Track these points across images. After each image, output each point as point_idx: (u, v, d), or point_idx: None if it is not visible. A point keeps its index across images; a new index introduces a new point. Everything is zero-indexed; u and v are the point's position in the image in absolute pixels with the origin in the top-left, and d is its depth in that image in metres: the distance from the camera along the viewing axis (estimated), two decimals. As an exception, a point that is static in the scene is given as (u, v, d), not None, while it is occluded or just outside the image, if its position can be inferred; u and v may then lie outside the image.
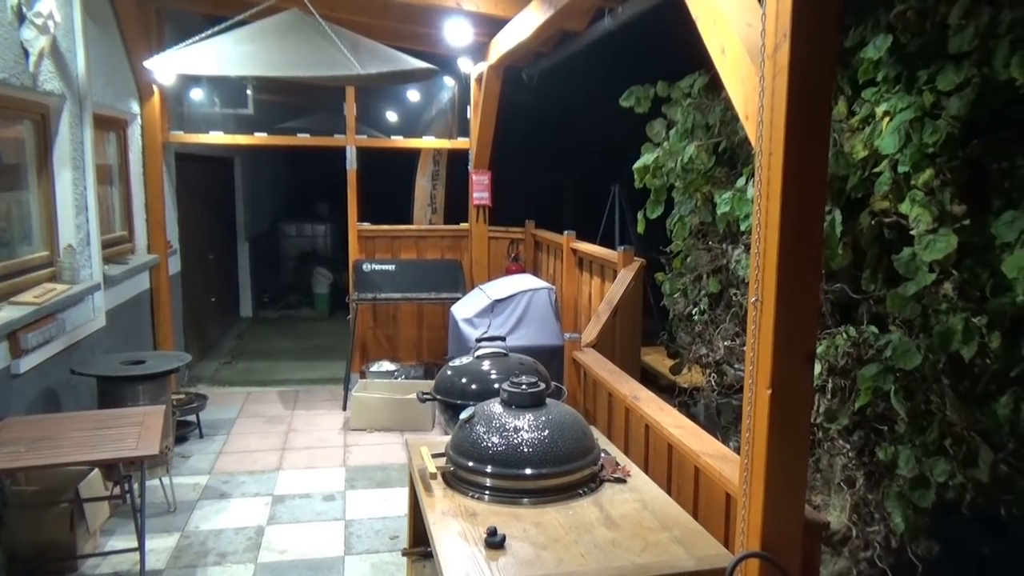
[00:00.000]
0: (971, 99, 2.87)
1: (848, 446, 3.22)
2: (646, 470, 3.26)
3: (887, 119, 3.04)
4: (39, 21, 4.51)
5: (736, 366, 4.13)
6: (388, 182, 10.26)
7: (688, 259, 4.59)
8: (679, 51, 3.78)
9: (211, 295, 9.45)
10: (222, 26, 4.78)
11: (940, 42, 3.00)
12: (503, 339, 4.34)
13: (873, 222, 3.22)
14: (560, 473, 2.77)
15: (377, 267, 7.44)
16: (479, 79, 7.47)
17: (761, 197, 2.38)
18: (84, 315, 5.27)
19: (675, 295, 4.70)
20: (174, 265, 7.56)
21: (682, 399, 4.70)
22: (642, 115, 4.85)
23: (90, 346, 5.34)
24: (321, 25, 4.56)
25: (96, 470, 4.23)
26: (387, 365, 7.39)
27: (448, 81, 8.80)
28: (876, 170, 3.13)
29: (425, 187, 9.50)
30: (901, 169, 2.96)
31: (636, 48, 6.66)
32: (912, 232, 2.95)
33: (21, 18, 4.43)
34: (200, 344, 8.70)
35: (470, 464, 2.79)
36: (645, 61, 5.86)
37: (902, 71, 3.10)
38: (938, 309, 2.89)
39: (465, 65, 7.76)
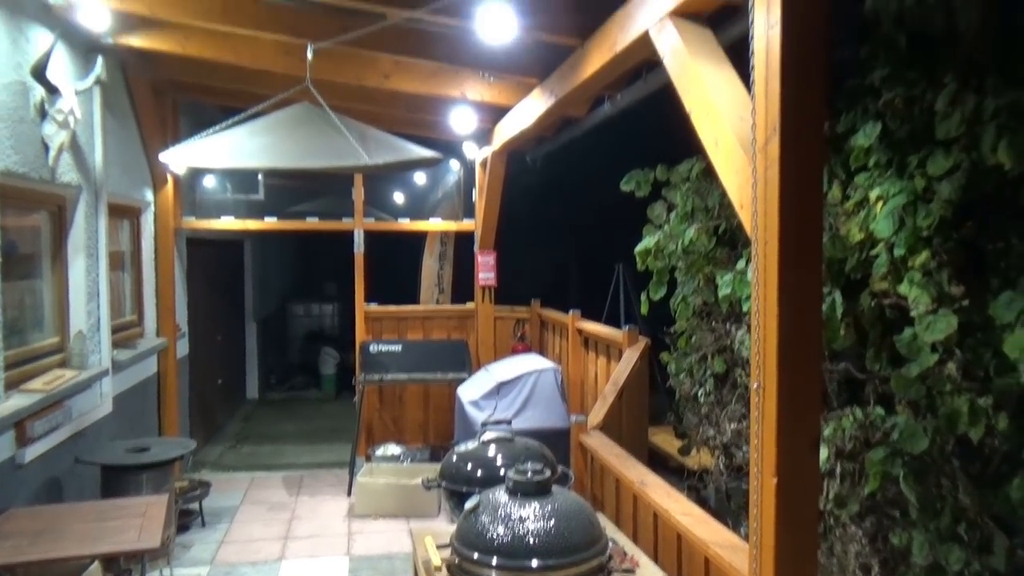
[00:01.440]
0: (962, 183, 2.94)
1: (860, 532, 3.16)
2: (656, 559, 3.19)
3: (880, 203, 3.11)
4: (60, 117, 4.70)
5: (744, 448, 4.09)
6: (396, 261, 10.40)
7: (693, 339, 4.60)
8: (677, 135, 3.90)
9: (218, 377, 9.46)
10: (236, 119, 4.96)
11: (928, 128, 3.08)
12: (509, 423, 4.31)
13: (873, 303, 3.25)
14: (567, 564, 2.71)
15: (384, 348, 7.47)
16: (484, 163, 7.67)
17: (759, 284, 2.42)
18: (91, 402, 5.28)
19: (681, 375, 4.69)
20: (182, 348, 7.60)
21: (691, 482, 4.63)
22: (644, 197, 4.96)
23: (95, 432, 5.33)
24: (330, 116, 4.73)
25: (96, 562, 4.16)
26: (393, 448, 7.31)
27: (454, 165, 9.02)
28: (873, 252, 3.17)
29: (432, 267, 9.62)
30: (897, 252, 3.00)
31: (636, 132, 6.85)
32: (912, 313, 2.98)
33: (43, 114, 4.62)
34: (205, 428, 8.65)
35: (475, 556, 2.75)
36: (645, 144, 6.02)
37: (893, 156, 3.19)
38: (943, 390, 2.88)
39: (470, 149, 7.98)
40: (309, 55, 4.45)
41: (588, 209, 10.33)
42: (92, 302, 5.33)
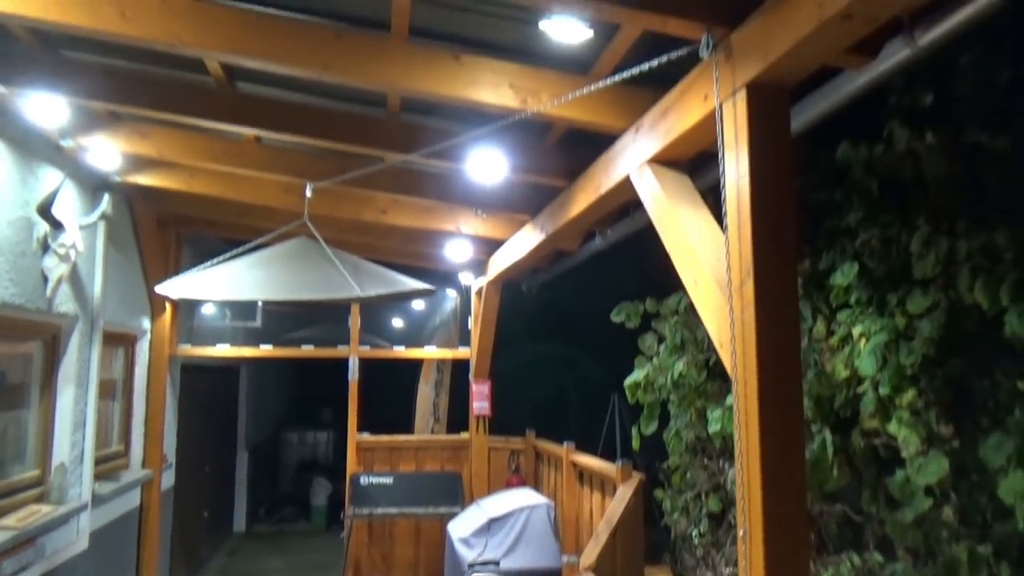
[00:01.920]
0: (942, 321, 2.96)
1: None
2: None
3: (864, 340, 3.12)
4: (62, 251, 4.81)
5: (742, 594, 3.89)
6: (391, 387, 10.32)
7: (687, 475, 4.50)
8: (667, 268, 3.98)
9: (204, 509, 9.16)
10: (234, 252, 5.08)
11: (906, 267, 3.15)
12: (497, 563, 4.14)
13: (865, 442, 3.19)
14: None
15: (375, 480, 7.28)
16: (479, 292, 7.77)
17: (740, 425, 2.39)
18: (66, 538, 5.09)
19: (675, 514, 4.55)
20: (168, 479, 7.41)
21: (689, 630, 4.38)
22: (635, 328, 5.00)
23: (69, 571, 5.11)
24: (325, 250, 4.84)
25: None
26: (381, 587, 6.98)
27: (450, 292, 9.15)
28: (860, 390, 3.16)
29: (428, 395, 9.54)
30: (883, 391, 2.98)
31: (628, 263, 6.98)
32: (903, 453, 2.92)
33: (45, 247, 4.73)
34: (188, 564, 8.29)
35: None
36: (637, 275, 6.12)
37: (873, 294, 3.24)
38: (940, 537, 2.78)
39: (466, 278, 8.11)
40: (308, 193, 4.61)
41: (583, 337, 10.36)
42: (77, 432, 5.25)
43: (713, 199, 3.14)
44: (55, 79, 3.78)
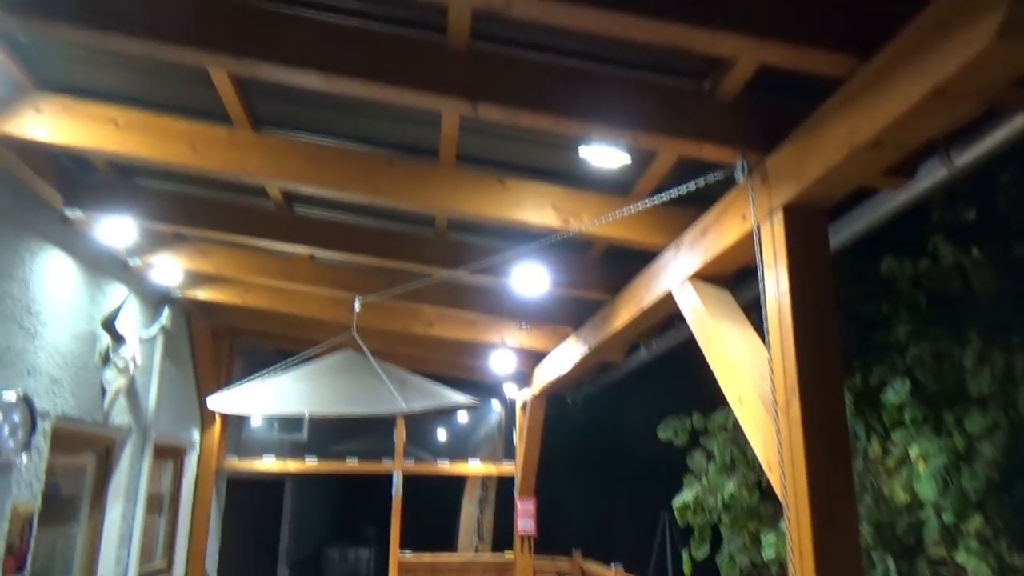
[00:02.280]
0: (1004, 443, 2.83)
1: None
2: None
3: (922, 462, 2.99)
4: (121, 364, 4.99)
5: None
6: (435, 501, 10.12)
7: (743, 604, 4.25)
8: (713, 380, 3.93)
9: (243, 628, 8.92)
10: (283, 364, 5.20)
11: (960, 384, 3.05)
12: None
13: (931, 572, 3.00)
14: None
15: (416, 601, 7.03)
16: (524, 406, 7.71)
17: (793, 554, 2.29)
18: (103, 657, 5.01)
19: (733, 648, 4.27)
20: (208, 596, 7.28)
21: None
22: (683, 445, 4.88)
23: None
24: (372, 364, 4.92)
25: None
26: None
27: (495, 404, 9.10)
28: (922, 515, 3.00)
29: (472, 513, 9.33)
30: (947, 517, 2.83)
31: (673, 376, 6.89)
32: (974, 586, 2.73)
33: (106, 360, 4.92)
34: None
35: None
36: (684, 387, 6.01)
37: (928, 413, 3.13)
38: None
39: (511, 390, 8.07)
40: (356, 307, 4.74)
41: (631, 452, 10.10)
42: (123, 548, 5.26)
43: (756, 314, 3.13)
44: (128, 204, 4.05)
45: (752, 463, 4.28)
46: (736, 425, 4.46)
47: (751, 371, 2.73)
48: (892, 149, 2.01)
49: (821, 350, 2.37)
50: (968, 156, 2.29)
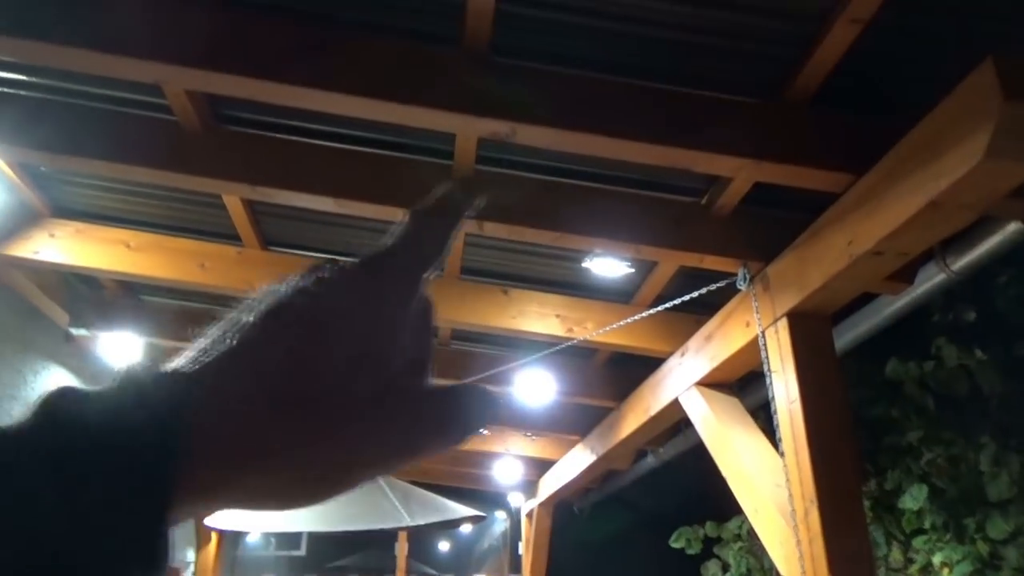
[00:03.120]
0: (1030, 548, 2.76)
1: None
2: None
3: (947, 570, 2.90)
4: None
5: None
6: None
7: None
8: (724, 487, 3.85)
9: None
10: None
11: (978, 488, 3.00)
12: None
13: None
14: None
15: None
16: (530, 515, 7.50)
17: (824, 677, 2.18)
18: None
19: None
20: None
21: None
22: (696, 554, 4.73)
23: None
24: (376, 480, 4.82)
25: None
26: None
27: (500, 515, 8.86)
28: (952, 627, 2.88)
29: (476, 629, 8.90)
30: (979, 630, 2.72)
31: (682, 482, 6.75)
32: None
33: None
34: None
35: None
36: (694, 493, 5.88)
37: (948, 519, 3.06)
38: None
39: (516, 499, 7.87)
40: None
41: (641, 561, 9.75)
42: None
43: (764, 417, 3.11)
44: (132, 321, 4.08)
45: (769, 573, 4.14)
46: (751, 533, 4.34)
47: (766, 480, 2.69)
48: (892, 257, 2.06)
49: (836, 456, 2.35)
50: (964, 261, 2.35)
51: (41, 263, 3.26)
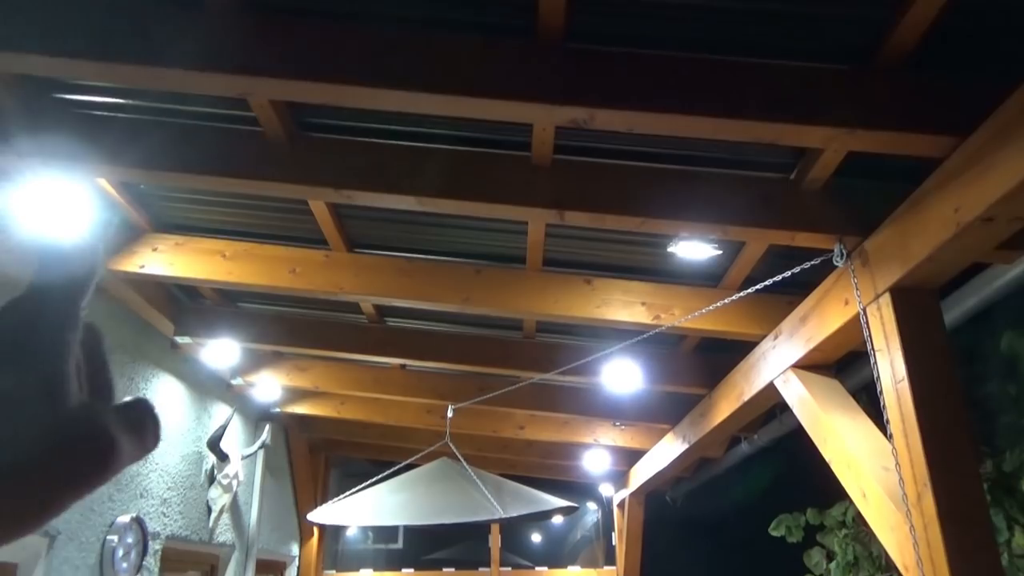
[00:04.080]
0: None
1: None
2: None
3: (1078, 556, 2.71)
4: (226, 482, 5.11)
5: None
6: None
7: None
8: (824, 472, 3.72)
9: None
10: (381, 476, 5.22)
11: (1111, 466, 2.78)
12: None
13: None
14: None
15: None
16: (621, 505, 7.45)
17: (947, 668, 2.07)
18: None
19: None
20: None
21: None
22: (797, 542, 4.58)
23: None
24: (467, 471, 4.88)
25: None
26: None
27: (591, 506, 8.82)
28: (1087, 616, 2.69)
29: (573, 620, 8.90)
30: (1117, 618, 2.53)
31: (781, 468, 6.55)
32: None
33: (211, 479, 5.05)
34: None
35: None
36: (793, 480, 5.71)
37: (1078, 500, 2.85)
38: None
39: (606, 490, 7.83)
40: (449, 414, 4.76)
41: (739, 551, 9.53)
42: (228, 669, 5.23)
43: (867, 398, 2.97)
44: (231, 328, 4.26)
45: (878, 561, 3.97)
46: (856, 520, 4.17)
47: (873, 463, 2.57)
48: (1004, 223, 1.93)
49: (950, 437, 2.22)
50: (1086, 223, 2.17)
51: (146, 276, 3.43)
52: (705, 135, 2.20)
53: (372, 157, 2.56)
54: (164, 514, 4.40)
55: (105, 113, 2.62)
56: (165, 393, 4.43)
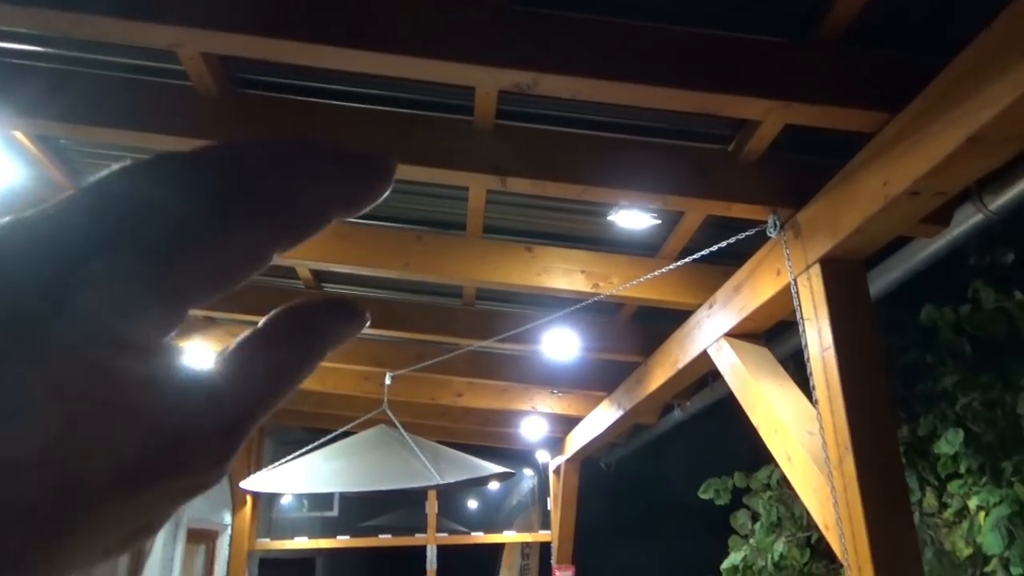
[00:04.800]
0: (1068, 490, 2.73)
1: None
2: None
3: (983, 514, 2.89)
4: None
5: None
6: (470, 573, 9.86)
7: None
8: (753, 438, 3.85)
9: None
10: (316, 443, 5.16)
11: (1016, 430, 2.96)
12: None
13: (1004, 631, 2.86)
14: None
15: None
16: (557, 471, 7.58)
17: (862, 621, 2.19)
18: None
19: None
20: None
21: None
22: (725, 504, 4.76)
23: None
24: (404, 438, 4.87)
25: None
26: None
27: (527, 472, 8.95)
28: (987, 569, 2.88)
29: (509, 583, 9.07)
30: (1015, 570, 2.71)
31: (711, 435, 6.76)
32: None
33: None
34: None
35: None
36: (722, 445, 5.89)
37: (984, 462, 3.03)
38: None
39: (543, 456, 7.95)
40: (387, 382, 4.73)
41: (670, 514, 9.83)
42: (158, 639, 5.15)
43: (795, 367, 3.08)
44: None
45: (800, 521, 4.16)
46: (781, 482, 4.35)
47: (798, 428, 2.67)
48: (929, 198, 2.00)
49: (871, 403, 2.32)
50: (1002, 200, 2.27)
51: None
52: (648, 104, 2.20)
53: (309, 117, 2.49)
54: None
55: (23, 62, 2.46)
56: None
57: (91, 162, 3.11)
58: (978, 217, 2.35)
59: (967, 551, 2.93)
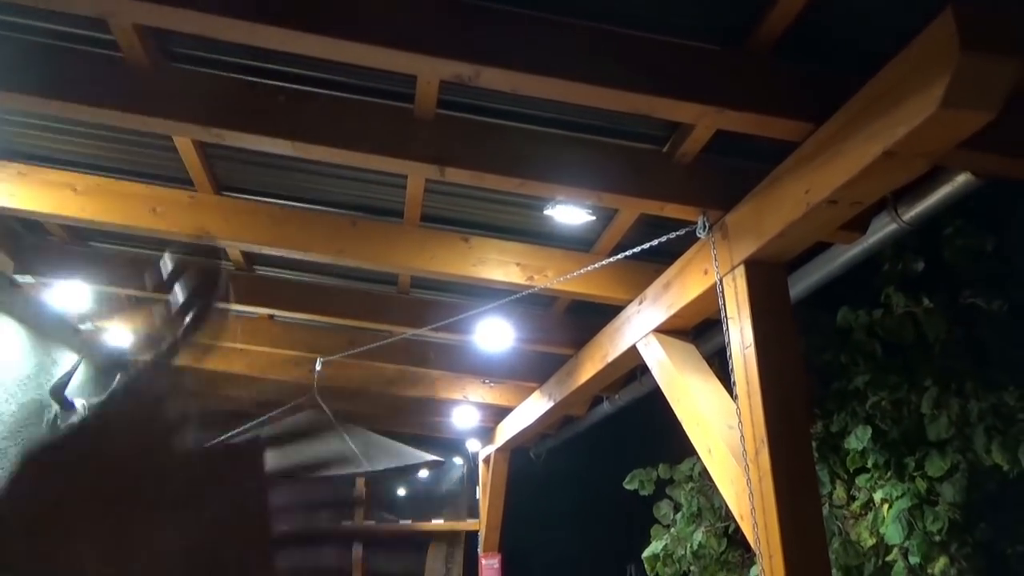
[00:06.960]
0: (964, 484, 2.91)
1: None
2: None
3: (887, 506, 3.06)
4: (71, 433, 4.80)
5: None
6: (396, 559, 9.83)
7: (717, 658, 4.21)
8: (677, 430, 3.96)
9: None
10: (241, 429, 5.06)
11: (920, 429, 3.14)
12: None
13: (900, 616, 3.04)
14: None
15: (380, 670, 6.78)
16: (487, 460, 7.63)
17: (770, 606, 2.30)
18: None
19: None
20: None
21: None
22: (649, 495, 4.88)
23: None
24: (334, 424, 4.83)
25: None
26: None
27: (457, 459, 8.97)
28: (888, 559, 3.05)
29: (438, 571, 9.09)
30: (913, 559, 2.88)
31: (638, 427, 6.91)
32: (944, 629, 2.77)
33: (55, 428, 4.73)
34: None
35: None
36: (648, 438, 6.04)
37: (890, 458, 3.20)
38: None
39: (473, 445, 7.99)
40: (318, 367, 4.68)
41: (596, 504, 10.02)
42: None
43: (719, 363, 3.19)
44: (81, 268, 3.96)
45: (719, 512, 4.30)
46: (702, 474, 4.49)
47: (719, 422, 2.77)
48: (847, 207, 2.11)
49: (787, 400, 2.43)
50: (915, 211, 2.41)
51: (-19, 207, 3.13)
52: (586, 102, 2.24)
53: (246, 95, 2.44)
54: (0, 467, 4.09)
55: (-63, 21, 2.34)
56: (1, 336, 4.08)
57: (12, 130, 2.97)
58: (892, 227, 2.48)
59: (871, 541, 3.09)
